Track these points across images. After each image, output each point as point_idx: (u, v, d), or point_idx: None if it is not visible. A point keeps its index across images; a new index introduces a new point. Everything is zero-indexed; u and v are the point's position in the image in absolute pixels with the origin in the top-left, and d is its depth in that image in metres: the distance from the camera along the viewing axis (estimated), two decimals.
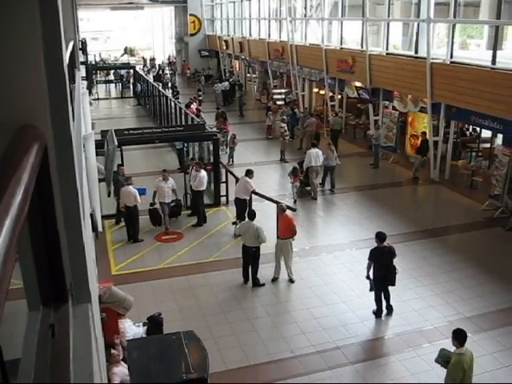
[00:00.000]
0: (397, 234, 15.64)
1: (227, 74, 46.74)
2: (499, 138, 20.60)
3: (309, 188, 19.27)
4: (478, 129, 22.86)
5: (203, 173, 16.45)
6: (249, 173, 15.81)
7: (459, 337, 7.82)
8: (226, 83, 39.52)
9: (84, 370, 2.28)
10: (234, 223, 14.22)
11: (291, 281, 12.97)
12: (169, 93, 34.08)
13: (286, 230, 12.86)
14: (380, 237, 11.42)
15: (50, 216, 2.52)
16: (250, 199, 15.84)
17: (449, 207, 18.37)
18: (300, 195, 18.86)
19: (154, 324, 9.74)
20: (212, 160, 18.19)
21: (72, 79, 9.25)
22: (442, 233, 15.97)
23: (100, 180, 11.84)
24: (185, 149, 20.99)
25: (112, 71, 51.00)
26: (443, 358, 7.97)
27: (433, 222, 17.01)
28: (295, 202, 18.13)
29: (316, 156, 19.06)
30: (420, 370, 9.66)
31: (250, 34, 40.68)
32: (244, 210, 15.71)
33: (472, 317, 11.56)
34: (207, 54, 52.73)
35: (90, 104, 25.87)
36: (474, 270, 13.64)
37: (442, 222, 16.83)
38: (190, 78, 50.55)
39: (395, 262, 11.55)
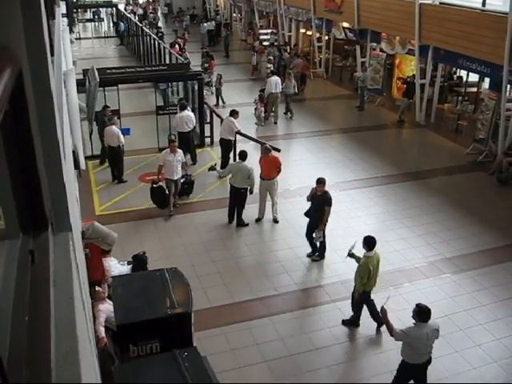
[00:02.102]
0: (381, 176, 15.75)
1: (212, 14, 45.69)
2: (486, 83, 20.52)
3: (272, 114, 20.83)
4: (464, 73, 22.73)
5: (186, 112, 16.15)
6: (233, 113, 15.62)
7: (368, 243, 9.04)
8: (212, 23, 38.67)
9: (64, 295, 2.27)
10: (210, 169, 13.50)
11: (275, 221, 13.06)
12: (153, 32, 33.20)
13: (271, 171, 12.83)
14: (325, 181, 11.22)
15: (28, 145, 2.47)
16: (235, 140, 15.73)
17: (433, 150, 18.41)
18: (262, 121, 20.48)
19: (138, 263, 9.78)
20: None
21: (51, 14, 8.95)
22: (426, 175, 16.08)
23: (83, 119, 11.67)
24: (169, 89, 20.67)
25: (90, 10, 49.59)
26: (351, 249, 9.43)
27: (417, 164, 17.07)
28: (259, 125, 20.19)
29: (275, 83, 20.51)
30: (400, 307, 9.86)
31: None
32: (229, 150, 15.64)
33: (452, 257, 11.77)
34: None
35: (71, 42, 25.25)
36: (456, 212, 13.81)
37: (426, 165, 16.91)
38: (166, 16, 49.52)
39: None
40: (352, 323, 9.57)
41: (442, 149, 18.54)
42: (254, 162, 13.36)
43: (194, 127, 16.48)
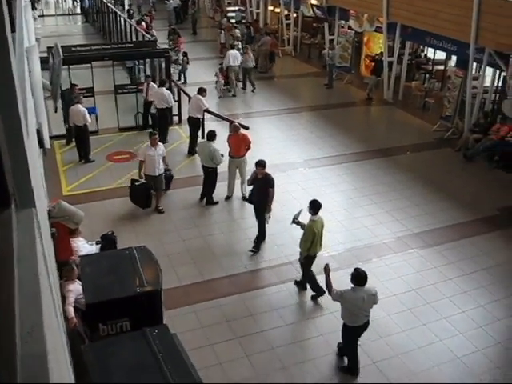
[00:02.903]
0: (349, 154, 15.86)
1: None
2: (453, 61, 20.71)
3: (229, 86, 21.61)
4: (431, 51, 22.91)
5: (164, 89, 16.09)
6: (201, 91, 15.47)
7: (314, 206, 9.31)
8: (177, 0, 38.05)
9: (29, 271, 2.23)
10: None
11: (245, 199, 13.04)
12: (119, 9, 32.50)
13: (240, 148, 12.80)
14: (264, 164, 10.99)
15: None
16: (203, 118, 15.62)
17: (401, 128, 18.60)
18: (224, 94, 21.35)
19: (107, 242, 9.72)
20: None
21: None
22: (394, 152, 16.23)
23: (47, 97, 11.42)
24: (136, 67, 20.38)
25: None
26: (296, 216, 9.67)
27: (385, 141, 17.21)
28: (220, 97, 20.98)
29: (234, 56, 21.31)
30: (369, 283, 10.00)
31: None
32: (197, 128, 15.53)
33: (420, 233, 11.95)
34: None
35: (34, 19, 24.66)
36: (423, 188, 14.00)
37: (394, 142, 17.06)
38: None
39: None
40: (304, 287, 9.92)
41: (409, 126, 18.73)
42: (223, 139, 13.33)
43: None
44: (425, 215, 12.68)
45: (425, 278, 10.44)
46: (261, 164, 10.88)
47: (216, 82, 21.45)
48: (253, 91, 21.89)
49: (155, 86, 16.76)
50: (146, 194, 12.38)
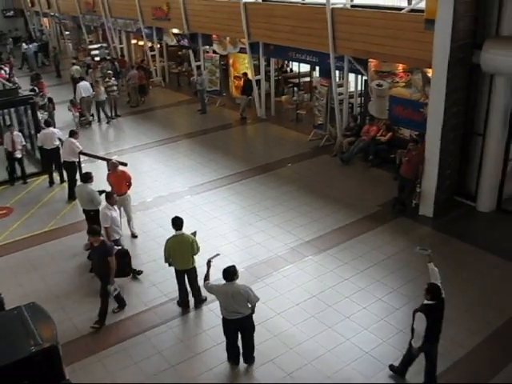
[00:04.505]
0: (232, 174, 16.08)
1: (38, 34, 43.79)
2: (317, 72, 21.64)
3: (84, 118, 22.19)
4: (296, 65, 23.80)
5: (50, 129, 16.03)
6: (73, 133, 15.05)
7: (173, 223, 9.74)
8: (35, 44, 36.95)
9: None
10: None
11: (134, 236, 12.75)
12: None
13: (122, 186, 12.49)
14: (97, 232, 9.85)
15: None
16: (79, 160, 15.18)
17: (278, 142, 19.08)
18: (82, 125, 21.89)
19: None
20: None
21: None
22: (275, 167, 16.60)
23: None
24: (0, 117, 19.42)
25: None
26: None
27: (265, 157, 17.57)
28: (77, 128, 19.49)
29: (85, 88, 22.11)
30: (271, 297, 10.15)
31: None
32: (74, 172, 15.05)
33: (311, 240, 12.26)
34: (12, 13, 48.71)
35: None
36: (307, 197, 14.40)
37: (274, 157, 17.45)
38: None
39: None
40: (179, 304, 10.26)
41: (286, 139, 19.26)
42: (102, 178, 13.03)
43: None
44: (313, 222, 13.04)
45: (323, 283, 10.70)
46: (90, 232, 9.80)
47: (73, 114, 21.61)
48: (112, 119, 22.75)
49: (20, 134, 16.17)
50: (128, 258, 10.96)
